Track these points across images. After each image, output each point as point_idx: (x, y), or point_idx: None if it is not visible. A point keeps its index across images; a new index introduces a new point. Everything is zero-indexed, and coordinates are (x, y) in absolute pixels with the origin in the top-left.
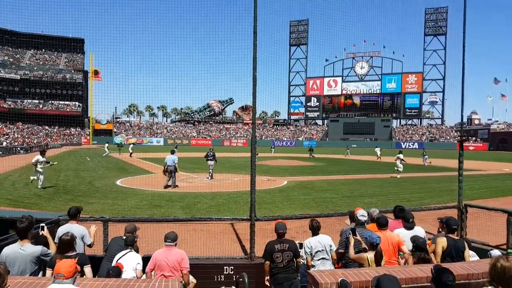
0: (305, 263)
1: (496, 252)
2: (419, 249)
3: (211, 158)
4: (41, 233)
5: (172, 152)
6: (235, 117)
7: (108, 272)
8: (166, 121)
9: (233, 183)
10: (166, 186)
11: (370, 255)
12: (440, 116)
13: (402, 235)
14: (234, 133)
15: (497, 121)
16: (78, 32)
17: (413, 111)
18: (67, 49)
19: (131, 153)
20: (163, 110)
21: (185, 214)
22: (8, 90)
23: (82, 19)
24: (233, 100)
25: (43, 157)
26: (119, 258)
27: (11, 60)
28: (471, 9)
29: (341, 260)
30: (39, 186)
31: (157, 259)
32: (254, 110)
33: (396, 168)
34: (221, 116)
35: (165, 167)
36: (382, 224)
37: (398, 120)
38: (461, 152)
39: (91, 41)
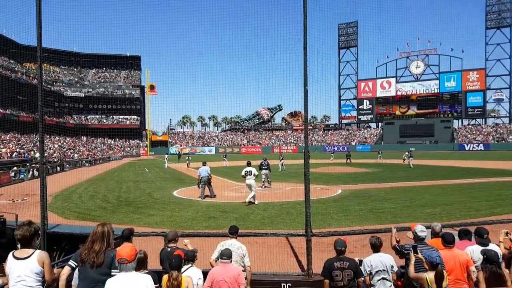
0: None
1: None
2: (490, 262)
3: (266, 167)
4: None
5: (204, 163)
6: (284, 123)
7: (171, 261)
8: (217, 130)
9: (284, 193)
10: (204, 197)
11: (430, 275)
12: (508, 114)
13: (475, 254)
14: (283, 140)
15: None
16: (135, 50)
17: (476, 110)
18: (125, 66)
19: (188, 163)
20: (214, 120)
21: (239, 225)
22: (74, 107)
23: (138, 36)
24: (281, 106)
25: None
26: None
27: (76, 79)
28: None
29: (400, 278)
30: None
31: (215, 276)
32: (306, 125)
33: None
34: (270, 123)
35: (200, 179)
36: (448, 241)
37: (460, 121)
38: None
39: (146, 58)
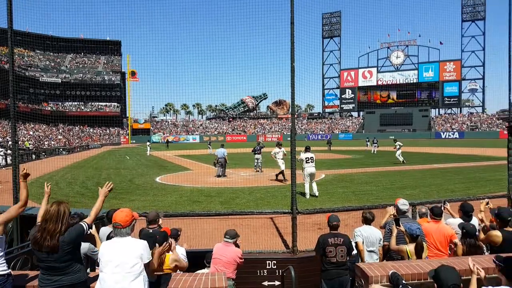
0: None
1: None
2: (469, 235)
3: (259, 151)
4: (89, 232)
5: (222, 146)
6: (269, 112)
7: (155, 238)
8: (202, 118)
9: (270, 177)
10: (218, 176)
11: (410, 247)
12: (481, 104)
13: (455, 226)
14: (268, 128)
15: None
16: (115, 34)
17: (452, 99)
18: (105, 51)
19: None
20: (198, 108)
21: (224, 209)
22: (50, 93)
23: (118, 21)
24: (266, 95)
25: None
26: None
27: (52, 64)
28: None
29: (386, 254)
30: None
31: (214, 253)
32: (293, 102)
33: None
34: (255, 111)
35: (216, 160)
36: (436, 213)
37: (437, 110)
38: (510, 138)
39: (127, 43)
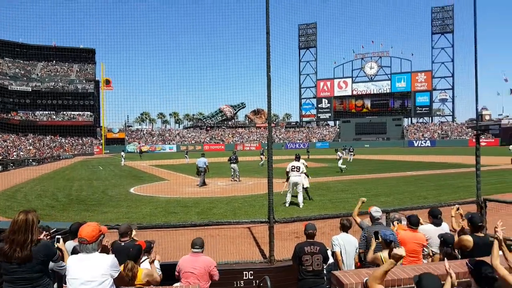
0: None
1: None
2: (446, 244)
3: (234, 161)
4: (56, 245)
5: (203, 155)
6: (247, 121)
7: (128, 251)
8: (179, 127)
9: (248, 187)
10: (202, 185)
11: (384, 254)
12: (451, 113)
13: (429, 232)
14: (246, 137)
15: (507, 116)
16: (89, 43)
17: (423, 109)
18: (78, 59)
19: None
20: (175, 117)
21: (201, 219)
22: (20, 102)
23: (93, 29)
24: (244, 104)
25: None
26: None
27: (22, 72)
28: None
29: (361, 260)
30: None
31: (181, 266)
32: (270, 111)
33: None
34: (233, 120)
35: (198, 169)
36: (413, 223)
37: (410, 119)
38: (478, 146)
39: (102, 51)
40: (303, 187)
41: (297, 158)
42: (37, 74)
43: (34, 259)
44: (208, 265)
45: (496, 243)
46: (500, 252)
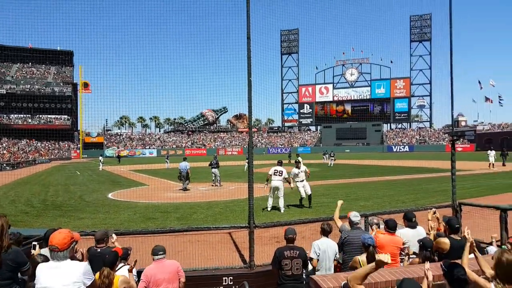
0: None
1: (492, 248)
2: (425, 248)
3: (215, 165)
4: (33, 252)
5: (184, 159)
6: (229, 126)
7: (104, 258)
8: (159, 131)
9: (229, 192)
10: (185, 189)
11: (362, 257)
12: (429, 119)
13: (405, 235)
14: (228, 142)
15: (482, 122)
16: (67, 45)
17: (402, 115)
18: (56, 62)
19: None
20: (155, 121)
21: (181, 225)
22: None
23: (71, 31)
24: (226, 109)
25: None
26: None
27: None
28: (456, 14)
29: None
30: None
31: (150, 275)
32: (250, 116)
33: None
34: (215, 125)
35: (180, 173)
36: (391, 227)
37: (389, 124)
38: (453, 152)
39: (80, 54)
40: (305, 193)
41: (280, 163)
42: (12, 76)
43: (4, 265)
44: (176, 266)
45: (467, 247)
46: (472, 255)
